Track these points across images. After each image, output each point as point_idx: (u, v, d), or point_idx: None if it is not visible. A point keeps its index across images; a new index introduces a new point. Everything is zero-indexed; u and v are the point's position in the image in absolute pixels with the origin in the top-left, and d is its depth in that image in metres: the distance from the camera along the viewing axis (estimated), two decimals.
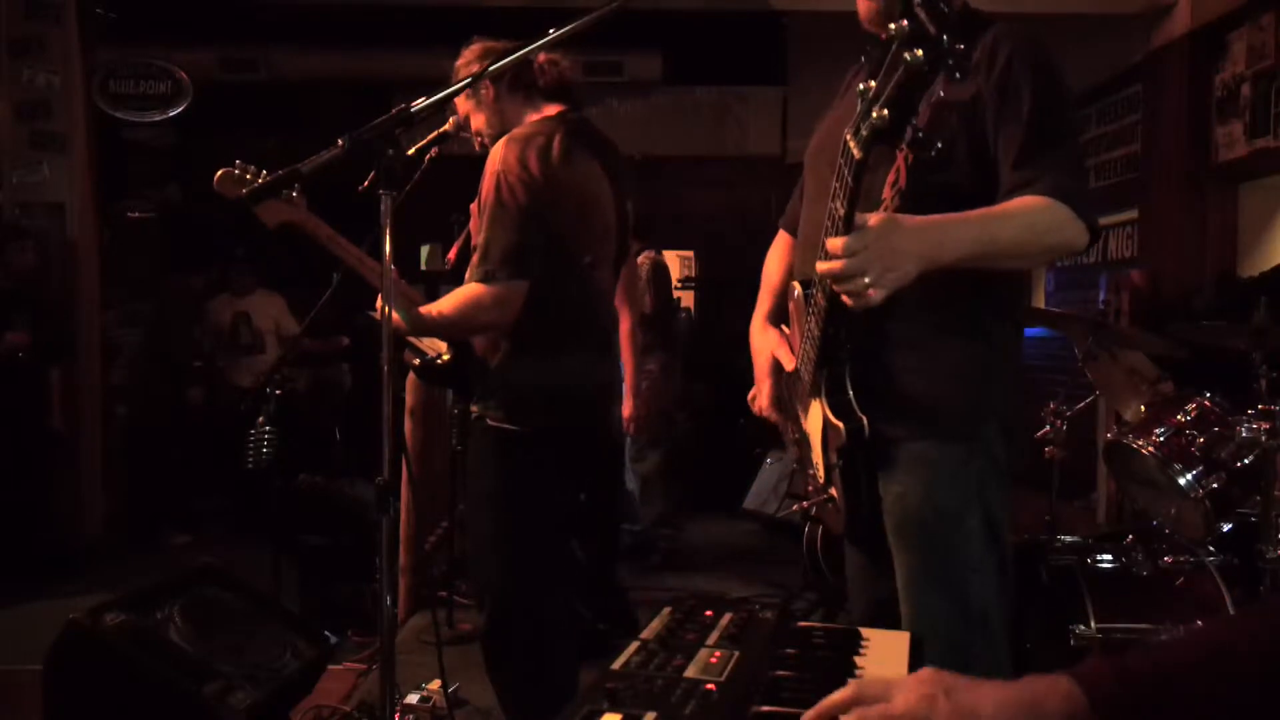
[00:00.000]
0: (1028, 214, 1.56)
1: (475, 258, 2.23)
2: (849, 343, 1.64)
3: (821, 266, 1.46)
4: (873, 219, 1.44)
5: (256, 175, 2.13)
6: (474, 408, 2.34)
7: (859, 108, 1.33)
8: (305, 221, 2.26)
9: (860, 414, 1.64)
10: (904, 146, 1.34)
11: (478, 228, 2.26)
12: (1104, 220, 5.74)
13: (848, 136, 1.38)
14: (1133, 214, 5.41)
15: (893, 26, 1.23)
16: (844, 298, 1.47)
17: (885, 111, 1.28)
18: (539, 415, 2.27)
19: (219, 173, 2.20)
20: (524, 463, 2.28)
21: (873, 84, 1.30)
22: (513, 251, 2.18)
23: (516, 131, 2.29)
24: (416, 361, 2.50)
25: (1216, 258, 4.88)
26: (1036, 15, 4.86)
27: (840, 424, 1.65)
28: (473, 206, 2.32)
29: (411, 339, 2.49)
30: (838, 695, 0.93)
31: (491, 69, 1.90)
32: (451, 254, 2.76)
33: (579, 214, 2.32)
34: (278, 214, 2.32)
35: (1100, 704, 0.88)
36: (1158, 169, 5.17)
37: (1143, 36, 5.24)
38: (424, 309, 2.24)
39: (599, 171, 2.39)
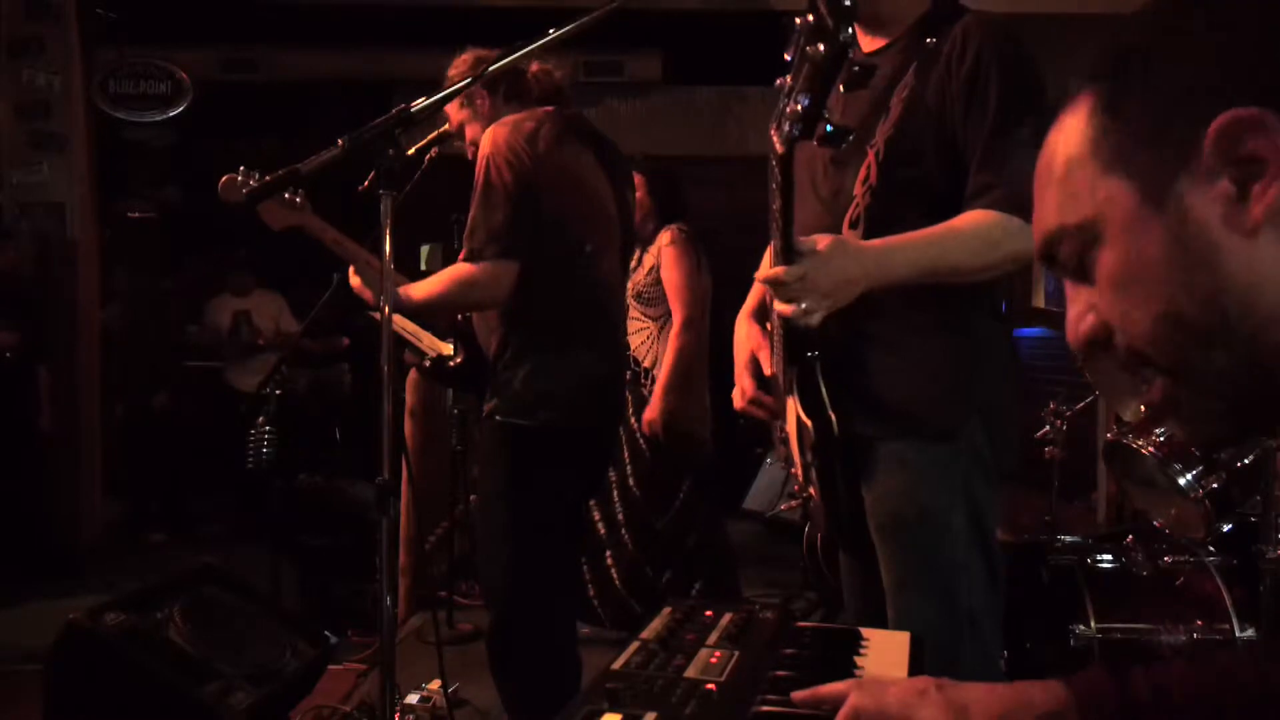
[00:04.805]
0: (978, 228, 1.55)
1: (465, 237, 2.23)
2: (816, 341, 1.61)
3: (758, 290, 1.48)
4: (820, 242, 1.46)
5: (260, 181, 2.14)
6: (486, 405, 2.34)
7: (780, 103, 1.33)
8: (310, 224, 2.27)
9: (830, 412, 1.62)
10: (816, 141, 1.33)
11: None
12: None
13: (771, 132, 1.38)
14: None
15: (798, 21, 1.23)
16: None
17: (798, 107, 1.28)
18: (546, 410, 2.26)
19: (223, 180, 2.20)
20: (532, 459, 2.27)
21: (788, 79, 1.30)
22: (499, 230, 2.17)
23: (506, 118, 2.29)
24: (427, 364, 2.49)
25: None
26: (1037, 15, 4.86)
27: (809, 422, 1.63)
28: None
29: (412, 340, 2.48)
30: (832, 687, 0.97)
31: (490, 69, 1.90)
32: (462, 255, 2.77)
33: (572, 197, 2.31)
34: (283, 219, 2.32)
35: (1089, 710, 0.88)
36: None
37: None
38: (405, 289, 2.21)
39: (593, 161, 2.39)
